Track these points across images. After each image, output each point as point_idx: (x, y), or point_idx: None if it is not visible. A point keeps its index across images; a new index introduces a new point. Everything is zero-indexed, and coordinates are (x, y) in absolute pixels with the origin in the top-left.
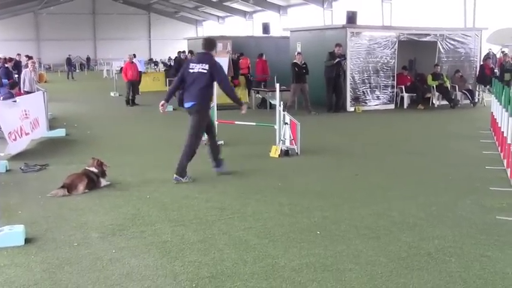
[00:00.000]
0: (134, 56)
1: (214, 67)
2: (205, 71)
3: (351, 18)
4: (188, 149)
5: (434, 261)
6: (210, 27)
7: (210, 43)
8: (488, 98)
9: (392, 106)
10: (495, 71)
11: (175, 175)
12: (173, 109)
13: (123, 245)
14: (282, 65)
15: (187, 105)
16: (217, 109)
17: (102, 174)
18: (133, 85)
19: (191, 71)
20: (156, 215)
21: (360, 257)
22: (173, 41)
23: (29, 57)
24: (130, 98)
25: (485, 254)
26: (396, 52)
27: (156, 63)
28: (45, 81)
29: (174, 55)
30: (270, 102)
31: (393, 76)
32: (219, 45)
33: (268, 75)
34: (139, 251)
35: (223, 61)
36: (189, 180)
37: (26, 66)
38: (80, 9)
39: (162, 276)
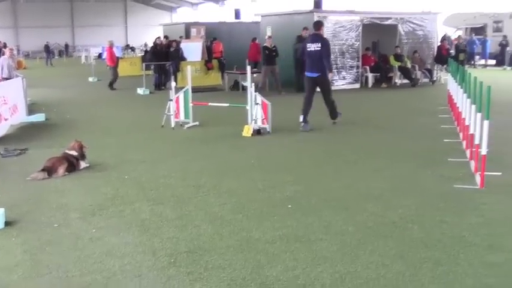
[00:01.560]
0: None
1: (325, 44)
2: (319, 49)
3: (318, 3)
4: (331, 101)
5: (398, 229)
6: (184, 14)
7: (318, 24)
8: (445, 77)
9: (358, 85)
10: (451, 51)
11: (333, 120)
12: (150, 92)
13: (103, 225)
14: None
15: (313, 75)
16: (192, 91)
17: (82, 156)
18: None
19: (308, 49)
20: (135, 195)
21: (330, 227)
22: (149, 27)
23: (5, 45)
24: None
25: (444, 220)
26: (360, 35)
27: (133, 49)
28: (24, 68)
29: (150, 41)
30: (242, 84)
31: (358, 57)
32: (193, 31)
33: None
34: (119, 230)
35: (197, 46)
36: (340, 118)
37: (3, 53)
38: None
39: (141, 252)
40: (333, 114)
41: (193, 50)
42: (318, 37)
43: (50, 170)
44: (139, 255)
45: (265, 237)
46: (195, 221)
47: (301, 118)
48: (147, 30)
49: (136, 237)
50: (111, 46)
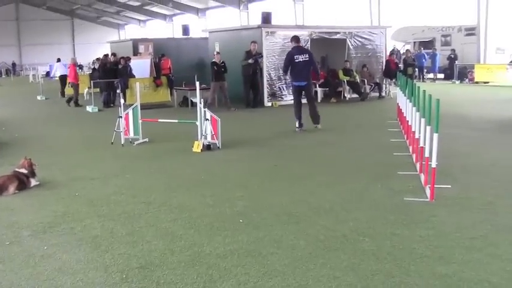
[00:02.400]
0: (59, 60)
1: (312, 56)
2: (307, 59)
3: (266, 18)
4: (314, 107)
5: (349, 242)
6: (132, 31)
7: (297, 38)
8: (394, 91)
9: (305, 101)
10: (399, 65)
11: (316, 125)
12: (99, 110)
13: (54, 242)
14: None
15: (301, 83)
16: (140, 108)
17: (32, 174)
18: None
19: (296, 60)
20: (85, 212)
21: (281, 241)
22: (97, 44)
23: None
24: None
25: (395, 232)
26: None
27: (80, 67)
28: None
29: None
30: (192, 100)
31: None
32: (141, 47)
33: None
34: (70, 247)
35: (146, 62)
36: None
37: None
38: (4, 16)
39: (93, 269)
40: (316, 119)
41: (141, 66)
42: (304, 49)
43: (0, 189)
44: (91, 272)
45: (216, 252)
46: (146, 236)
47: (297, 124)
48: (95, 47)
49: (88, 254)
50: (74, 64)
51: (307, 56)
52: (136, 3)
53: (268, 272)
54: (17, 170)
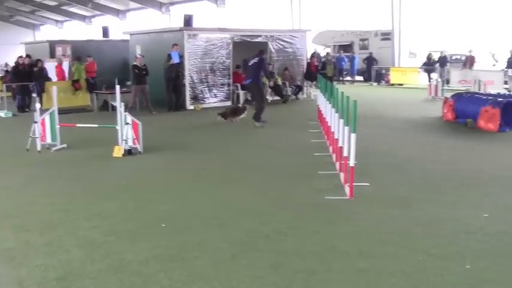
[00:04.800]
0: None
1: (261, 59)
2: (256, 62)
3: (188, 21)
4: (259, 106)
5: (272, 242)
6: (48, 32)
7: (260, 52)
8: (315, 93)
9: (229, 103)
10: (319, 68)
11: (255, 122)
12: (13, 115)
13: None
14: (122, 67)
15: (246, 82)
16: (58, 113)
17: None
18: None
19: (249, 64)
20: None
21: (204, 244)
22: (10, 45)
23: None
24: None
25: (317, 230)
26: (231, 52)
27: None
28: None
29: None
30: (112, 104)
31: (229, 75)
32: (58, 49)
33: None
34: None
35: (65, 65)
36: (264, 125)
37: None
38: None
39: (6, 283)
40: (256, 116)
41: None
42: (257, 55)
43: None
44: (4, 287)
45: (139, 258)
46: (64, 246)
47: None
48: (8, 49)
49: (1, 268)
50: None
51: (257, 59)
52: (53, 3)
53: (192, 276)
54: None
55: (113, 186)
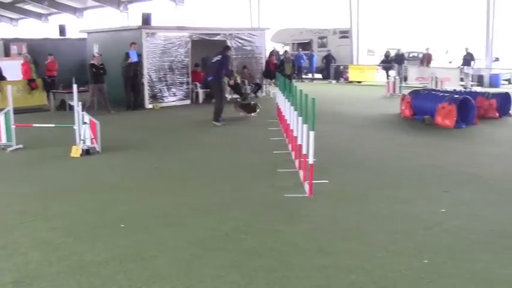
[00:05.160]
0: None
1: (224, 57)
2: (219, 59)
3: (146, 19)
4: (218, 104)
5: (232, 240)
6: (2, 30)
7: (224, 48)
8: (274, 90)
9: (188, 101)
10: (278, 66)
11: (213, 121)
12: None
13: None
14: (79, 66)
15: (208, 78)
16: (14, 113)
17: None
18: None
19: (212, 61)
20: None
21: (164, 244)
22: None
23: None
24: None
25: (277, 228)
26: (190, 51)
27: None
28: None
29: None
30: (69, 104)
31: (188, 73)
32: (13, 48)
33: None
34: None
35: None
36: (224, 123)
37: None
38: None
39: None
40: (216, 116)
41: (14, 68)
42: (220, 53)
43: None
44: None
45: (97, 259)
46: (21, 248)
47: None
48: None
49: None
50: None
51: (220, 57)
52: (8, 0)
53: (152, 276)
54: None
55: (71, 187)
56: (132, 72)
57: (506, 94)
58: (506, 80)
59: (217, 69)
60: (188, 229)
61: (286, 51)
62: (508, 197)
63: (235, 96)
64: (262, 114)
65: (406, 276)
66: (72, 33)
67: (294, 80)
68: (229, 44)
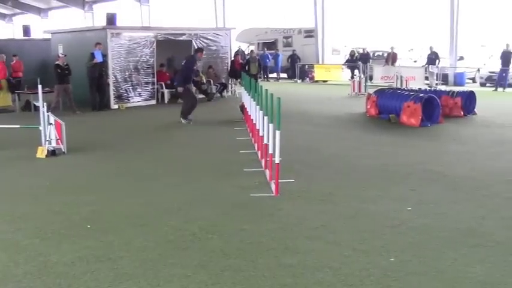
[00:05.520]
0: None
1: (187, 61)
2: (183, 64)
3: (111, 19)
4: (185, 105)
5: (199, 240)
6: None
7: (197, 50)
8: (240, 90)
9: (154, 102)
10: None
11: (181, 118)
12: None
13: None
14: (44, 66)
15: (176, 83)
16: None
17: None
18: None
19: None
20: None
21: (131, 244)
22: None
23: None
24: None
25: (243, 227)
26: (155, 51)
27: None
28: None
29: None
30: (35, 104)
31: (153, 74)
32: None
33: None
34: None
35: None
36: (190, 122)
37: None
38: None
39: None
40: (183, 114)
41: None
42: (188, 56)
43: None
44: None
45: (64, 260)
46: None
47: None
48: None
49: None
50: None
51: (185, 61)
52: None
53: (119, 276)
54: None
55: (37, 188)
56: (98, 73)
57: (471, 93)
58: (470, 78)
59: (181, 73)
60: (155, 229)
61: (252, 51)
62: (473, 195)
63: (201, 96)
64: (229, 114)
65: (373, 275)
66: (36, 34)
67: (259, 80)
68: (194, 43)
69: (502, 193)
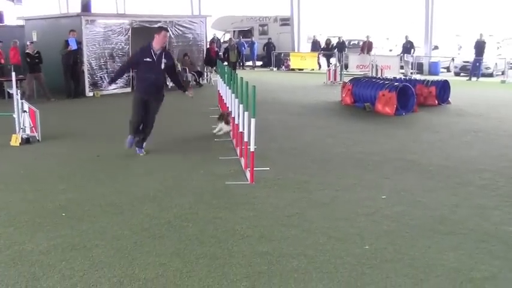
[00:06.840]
0: None
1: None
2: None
3: (86, 6)
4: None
5: (174, 228)
6: None
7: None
8: (215, 78)
9: (129, 89)
10: (220, 53)
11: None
12: None
13: None
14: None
15: None
16: None
17: None
18: None
19: None
20: None
21: (106, 233)
22: None
23: None
24: None
25: (218, 216)
26: (130, 38)
27: None
28: None
29: None
30: (8, 92)
31: None
32: None
33: None
34: None
35: None
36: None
37: None
38: None
39: None
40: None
41: None
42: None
43: None
44: None
45: (39, 249)
46: None
47: None
48: None
49: None
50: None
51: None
52: None
53: (94, 264)
54: None
55: (11, 176)
56: (72, 60)
57: (445, 82)
58: (445, 68)
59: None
60: (130, 217)
61: (230, 39)
62: (446, 183)
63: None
64: (204, 102)
65: (347, 263)
66: (10, 20)
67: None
68: (169, 31)
69: (474, 181)
